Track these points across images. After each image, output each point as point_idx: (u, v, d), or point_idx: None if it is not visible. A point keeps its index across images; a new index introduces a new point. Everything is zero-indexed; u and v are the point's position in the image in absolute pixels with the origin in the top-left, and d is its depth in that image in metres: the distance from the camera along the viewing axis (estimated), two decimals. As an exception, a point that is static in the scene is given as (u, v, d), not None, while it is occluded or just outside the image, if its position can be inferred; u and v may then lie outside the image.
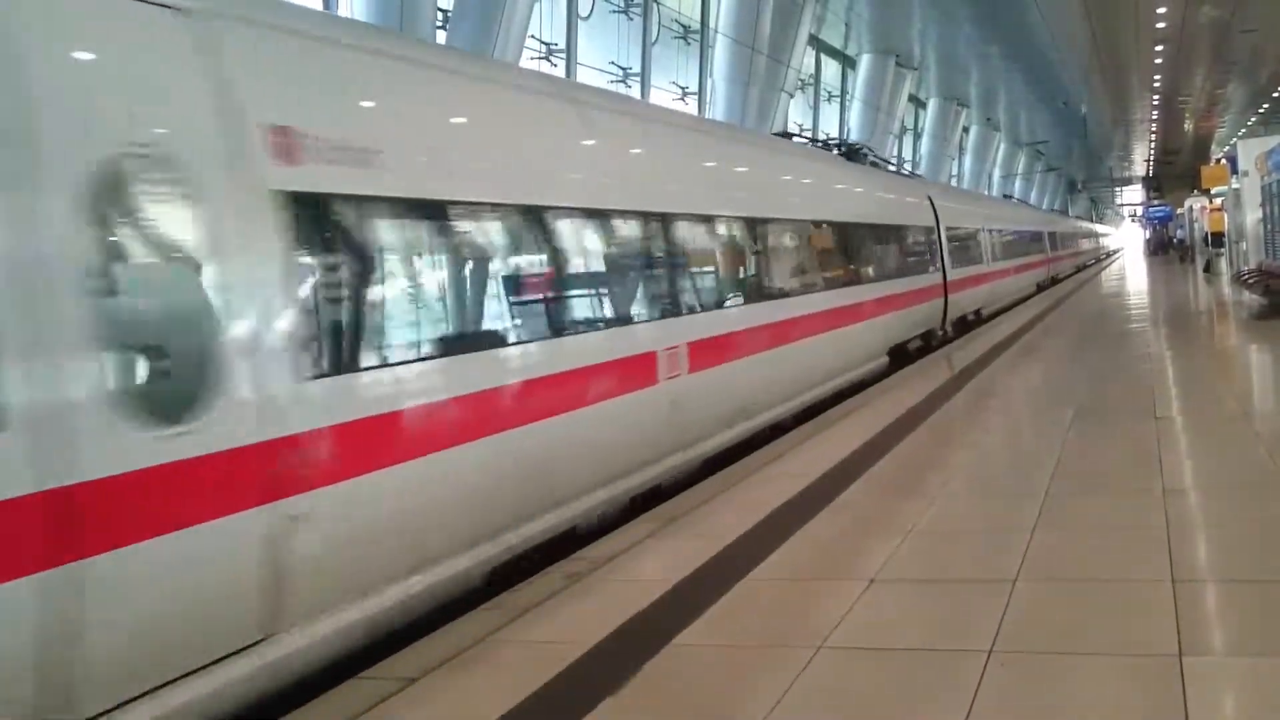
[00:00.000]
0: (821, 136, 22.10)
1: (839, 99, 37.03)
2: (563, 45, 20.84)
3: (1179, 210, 50.87)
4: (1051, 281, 34.22)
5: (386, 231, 5.09)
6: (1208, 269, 32.01)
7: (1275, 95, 42.73)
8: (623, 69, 23.19)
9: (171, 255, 3.93)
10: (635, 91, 22.91)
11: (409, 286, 5.27)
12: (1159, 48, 32.49)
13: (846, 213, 13.13)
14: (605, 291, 7.06)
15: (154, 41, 3.91)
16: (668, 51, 25.23)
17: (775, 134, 17.62)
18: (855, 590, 4.75)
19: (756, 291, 9.59)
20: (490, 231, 5.96)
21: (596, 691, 3.82)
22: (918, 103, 44.99)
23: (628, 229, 7.43)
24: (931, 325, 16.73)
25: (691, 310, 8.01)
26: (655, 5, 24.00)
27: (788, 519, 6.11)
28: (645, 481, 7.04)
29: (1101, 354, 13.65)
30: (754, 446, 8.58)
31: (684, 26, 25.73)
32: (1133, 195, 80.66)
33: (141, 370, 3.75)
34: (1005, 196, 44.21)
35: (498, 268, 6.06)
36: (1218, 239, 33.01)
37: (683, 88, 25.66)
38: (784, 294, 10.13)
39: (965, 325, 19.34)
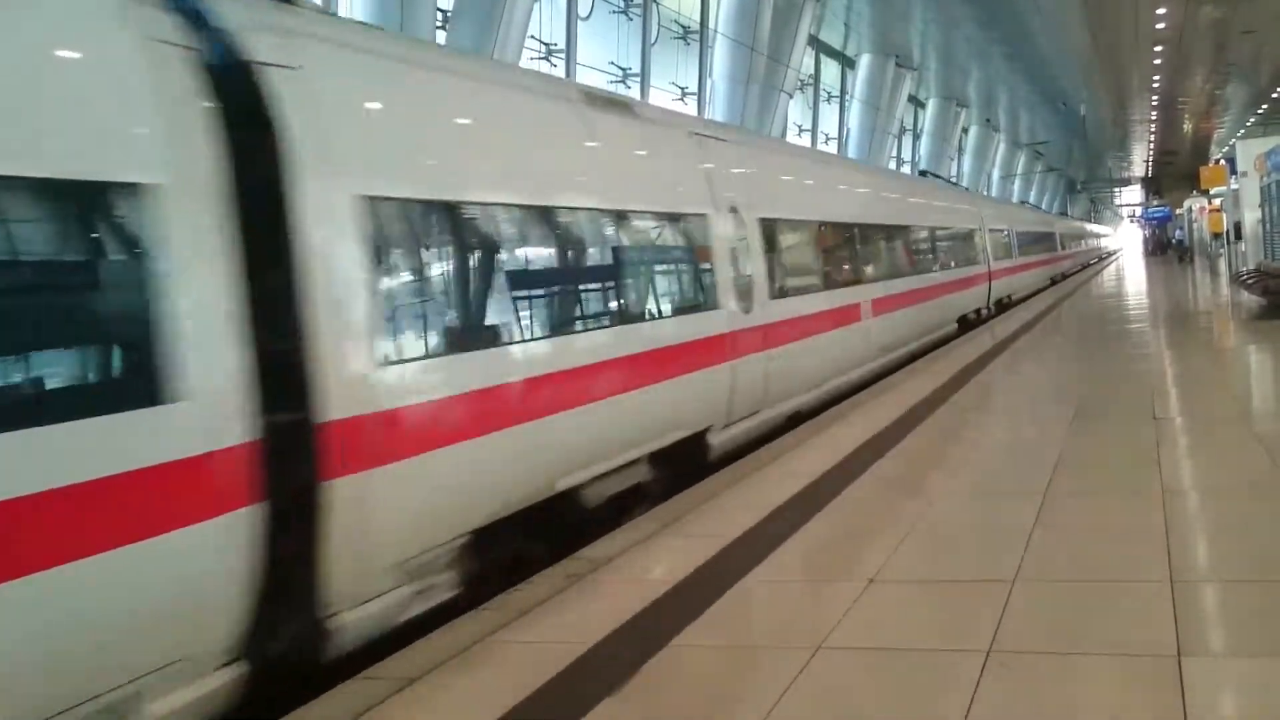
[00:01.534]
0: None
1: (839, 99, 37.06)
2: (562, 45, 20.85)
3: (1178, 211, 50.94)
4: (998, 307, 22.76)
5: None
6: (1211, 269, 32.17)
7: (1274, 96, 42.69)
8: (622, 69, 23.19)
9: None
10: (635, 92, 22.85)
11: None
12: (1158, 48, 32.48)
13: None
14: None
15: None
16: (667, 51, 25.22)
17: None
18: (854, 590, 4.76)
19: None
20: None
21: (596, 692, 3.83)
22: (917, 103, 45.00)
23: None
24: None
25: None
26: (655, 5, 24.00)
27: (788, 519, 6.11)
28: None
29: (1100, 355, 13.68)
30: None
31: (683, 27, 25.73)
32: (1132, 196, 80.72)
33: None
34: (922, 173, 31.52)
35: None
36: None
37: (682, 88, 25.66)
38: None
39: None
